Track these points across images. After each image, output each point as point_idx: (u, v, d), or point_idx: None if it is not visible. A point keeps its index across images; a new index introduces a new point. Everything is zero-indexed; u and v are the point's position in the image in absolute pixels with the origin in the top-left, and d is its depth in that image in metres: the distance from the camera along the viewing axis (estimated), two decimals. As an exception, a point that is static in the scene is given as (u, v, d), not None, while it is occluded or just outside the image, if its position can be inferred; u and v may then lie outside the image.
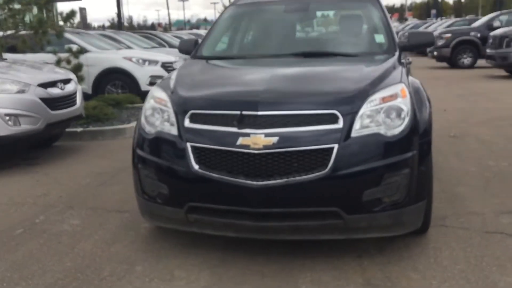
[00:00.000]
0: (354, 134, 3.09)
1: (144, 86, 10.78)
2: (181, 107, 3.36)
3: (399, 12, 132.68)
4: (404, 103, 3.24)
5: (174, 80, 3.71)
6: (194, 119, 3.29)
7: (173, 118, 3.37)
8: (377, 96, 3.21)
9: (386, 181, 3.10)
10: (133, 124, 7.95)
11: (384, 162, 3.10)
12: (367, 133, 3.11)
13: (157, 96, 3.56)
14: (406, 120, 3.20)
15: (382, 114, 3.17)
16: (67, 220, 4.31)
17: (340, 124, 3.10)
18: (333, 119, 3.11)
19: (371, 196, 3.09)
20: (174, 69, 11.39)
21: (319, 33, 4.59)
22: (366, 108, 3.15)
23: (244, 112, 3.15)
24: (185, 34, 18.08)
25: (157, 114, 3.48)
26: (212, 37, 4.63)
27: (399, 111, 3.20)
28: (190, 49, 4.72)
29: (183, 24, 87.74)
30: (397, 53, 3.99)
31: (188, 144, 3.24)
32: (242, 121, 3.14)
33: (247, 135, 3.10)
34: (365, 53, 4.09)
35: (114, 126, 7.94)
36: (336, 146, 3.06)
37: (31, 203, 4.78)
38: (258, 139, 3.07)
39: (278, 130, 3.09)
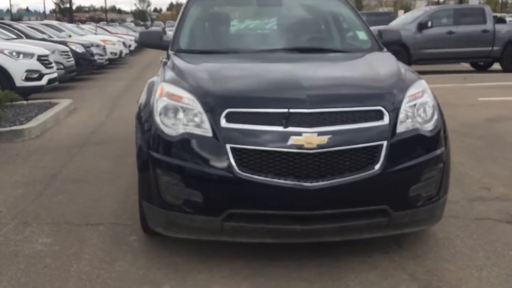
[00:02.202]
0: (399, 130, 3.08)
1: (19, 82, 9.68)
2: (214, 106, 3.04)
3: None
4: (431, 99, 3.31)
5: (188, 75, 3.35)
6: (231, 118, 3.00)
7: (203, 118, 3.04)
8: (410, 92, 3.22)
9: (426, 176, 3.14)
10: (31, 124, 7.11)
11: (425, 157, 3.14)
12: (409, 129, 3.12)
13: (174, 94, 3.19)
14: (435, 115, 3.27)
15: (416, 110, 3.19)
16: (33, 238, 3.69)
17: (386, 121, 3.06)
18: (379, 115, 3.07)
19: (415, 191, 3.11)
20: (51, 63, 10.55)
21: (301, 28, 4.48)
22: (405, 104, 3.15)
23: (292, 110, 2.95)
24: (40, 26, 16.56)
25: (178, 114, 3.12)
26: (186, 30, 4.27)
27: (429, 106, 3.26)
28: (154, 42, 4.31)
29: (3, 14, 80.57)
30: (386, 50, 4.06)
31: (228, 146, 2.95)
32: (289, 120, 2.94)
33: (299, 134, 2.91)
34: (357, 49, 4.10)
35: (9, 128, 6.99)
36: (385, 143, 3.02)
37: (-31, 223, 4.01)
38: (311, 138, 2.90)
39: (329, 128, 2.95)
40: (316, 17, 4.63)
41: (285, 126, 2.94)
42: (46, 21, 23.09)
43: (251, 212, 2.99)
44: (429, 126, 3.20)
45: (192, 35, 4.28)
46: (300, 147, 2.90)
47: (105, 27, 30.44)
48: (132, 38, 26.19)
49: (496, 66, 15.39)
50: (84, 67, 14.29)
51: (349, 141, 2.96)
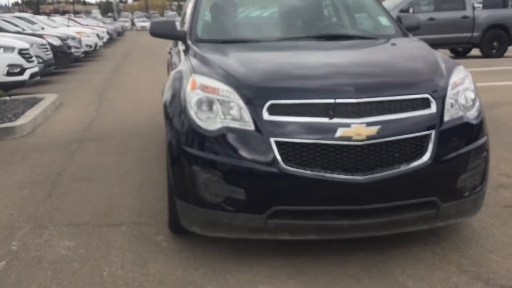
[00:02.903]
0: (446, 118, 2.98)
1: (1, 77, 9.31)
2: (255, 98, 2.89)
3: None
4: (472, 85, 3.22)
5: (220, 66, 3.18)
6: (274, 110, 2.86)
7: (243, 111, 2.89)
8: (453, 79, 3.13)
9: (472, 166, 3.06)
10: (22, 121, 6.83)
11: (472, 146, 3.06)
12: (455, 117, 3.03)
13: (209, 86, 3.02)
14: (477, 101, 3.19)
15: (459, 98, 3.10)
16: (54, 242, 3.49)
17: (433, 109, 2.96)
18: (426, 103, 2.97)
19: (463, 182, 3.02)
20: (31, 57, 10.15)
21: (323, 14, 4.34)
22: (450, 91, 3.05)
23: (338, 100, 2.82)
24: (13, 18, 15.97)
25: (214, 107, 2.96)
26: (202, 19, 4.08)
27: (471, 92, 3.17)
28: (167, 32, 4.11)
29: None
30: (412, 36, 3.96)
31: (272, 140, 2.81)
32: (335, 110, 2.81)
33: (348, 125, 2.78)
34: (382, 35, 3.98)
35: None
36: (433, 132, 2.92)
37: (-20, 227, 3.78)
38: (361, 129, 2.78)
39: (377, 118, 2.83)
40: (336, 3, 4.49)
41: (331, 117, 2.81)
42: (18, 14, 22.35)
43: (297, 209, 2.86)
44: (473, 114, 3.12)
45: (209, 24, 4.10)
46: (348, 139, 2.78)
47: (76, 19, 29.72)
48: (104, 30, 25.64)
49: (475, 52, 15.55)
50: (62, 60, 13.86)
51: (398, 131, 2.85)
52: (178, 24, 4.50)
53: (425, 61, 3.31)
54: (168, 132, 3.17)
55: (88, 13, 79.72)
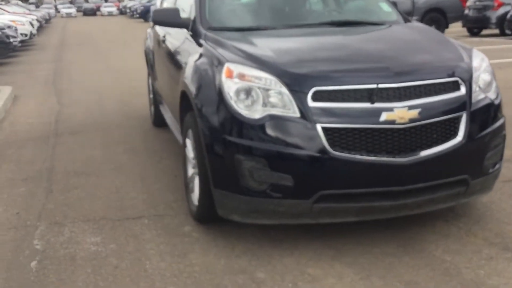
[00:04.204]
0: (474, 100, 3.14)
1: None
2: (299, 85, 2.92)
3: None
4: (489, 67, 3.39)
5: (254, 54, 3.17)
6: (318, 97, 2.90)
7: (286, 98, 2.92)
8: (475, 62, 3.29)
9: (494, 144, 3.24)
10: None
11: (495, 125, 3.24)
12: (480, 98, 3.19)
13: (247, 74, 3.01)
14: (494, 83, 3.37)
15: (481, 80, 3.26)
16: (79, 239, 3.39)
17: (463, 91, 3.11)
18: (456, 86, 3.11)
19: (488, 160, 3.20)
20: None
21: (332, 2, 4.38)
22: (474, 74, 3.21)
23: (380, 85, 2.91)
24: None
25: (254, 95, 2.96)
26: (211, 6, 4.01)
27: (489, 74, 3.34)
28: (171, 20, 4.04)
29: None
30: (416, 21, 4.11)
31: (319, 126, 2.86)
32: (378, 95, 2.90)
33: (391, 109, 2.88)
34: (389, 21, 4.08)
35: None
36: (464, 113, 3.07)
37: (-9, 228, 3.60)
38: (403, 113, 2.88)
39: (417, 101, 2.95)
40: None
41: (373, 102, 2.89)
42: None
43: (343, 192, 2.93)
44: (493, 94, 3.30)
45: (217, 11, 4.05)
46: (392, 122, 2.87)
47: (2, 6, 28.18)
48: (34, 17, 24.51)
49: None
50: (1, 50, 13.18)
51: (436, 113, 2.98)
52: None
53: (446, 45, 3.46)
54: (201, 123, 3.14)
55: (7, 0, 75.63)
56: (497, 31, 17.20)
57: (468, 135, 3.05)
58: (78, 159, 5.10)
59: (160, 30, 4.90)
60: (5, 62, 13.72)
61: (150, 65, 5.87)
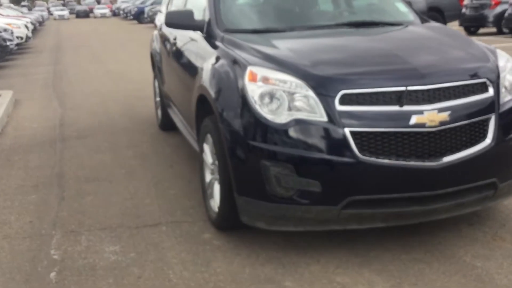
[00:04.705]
0: (501, 101, 3.08)
1: None
2: (327, 88, 2.85)
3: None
4: None
5: (278, 57, 3.10)
6: (345, 100, 2.83)
7: (313, 102, 2.85)
8: (501, 63, 3.24)
9: None
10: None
11: (520, 127, 3.17)
12: (507, 99, 3.14)
13: (272, 77, 2.94)
14: (519, 84, 3.31)
15: (507, 81, 3.21)
16: (98, 248, 3.31)
17: (491, 93, 3.05)
18: (484, 88, 3.06)
19: (515, 162, 3.14)
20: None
21: (347, 2, 4.31)
22: (501, 74, 3.15)
23: (409, 88, 2.84)
24: None
25: (279, 99, 2.89)
26: (225, 8, 3.94)
27: None
28: (185, 22, 3.96)
29: None
30: (433, 22, 4.05)
31: (347, 130, 2.79)
32: (407, 98, 2.83)
33: (421, 112, 2.82)
34: (407, 22, 4.01)
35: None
36: (493, 115, 3.01)
37: (7, 239, 3.50)
38: (434, 116, 2.82)
39: (447, 104, 2.89)
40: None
41: (401, 105, 2.83)
42: None
43: (372, 198, 2.86)
44: (518, 96, 3.23)
45: (234, 13, 3.98)
46: (422, 125, 2.81)
47: (-5, 9, 27.96)
48: (29, 20, 24.33)
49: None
50: (-2, 54, 13.05)
51: (465, 116, 2.92)
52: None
53: (470, 46, 3.40)
54: (223, 128, 3.06)
55: (-4, 2, 75.14)
56: (494, 29, 17.21)
57: (497, 137, 2.99)
58: (88, 164, 5.01)
59: (170, 32, 4.81)
60: (2, 66, 13.58)
61: (158, 68, 5.78)
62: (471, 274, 2.88)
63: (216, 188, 3.37)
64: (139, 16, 36.59)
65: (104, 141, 5.84)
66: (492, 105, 3.02)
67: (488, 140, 2.97)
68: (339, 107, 2.82)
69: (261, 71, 2.99)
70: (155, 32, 6.09)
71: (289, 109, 2.87)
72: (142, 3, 41.04)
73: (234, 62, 3.22)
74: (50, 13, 55.40)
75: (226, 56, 3.37)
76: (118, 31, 28.12)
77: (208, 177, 3.56)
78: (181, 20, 3.99)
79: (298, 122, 2.84)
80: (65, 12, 53.72)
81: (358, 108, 2.83)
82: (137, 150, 5.43)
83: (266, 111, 2.89)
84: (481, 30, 17.47)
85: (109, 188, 4.35)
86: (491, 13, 17.47)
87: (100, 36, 24.17)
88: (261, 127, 2.89)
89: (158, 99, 6.17)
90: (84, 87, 9.63)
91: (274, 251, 3.18)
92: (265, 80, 2.95)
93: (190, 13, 3.97)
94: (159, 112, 6.09)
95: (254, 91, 2.94)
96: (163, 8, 6.17)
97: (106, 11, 53.83)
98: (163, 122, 6.00)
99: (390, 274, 2.90)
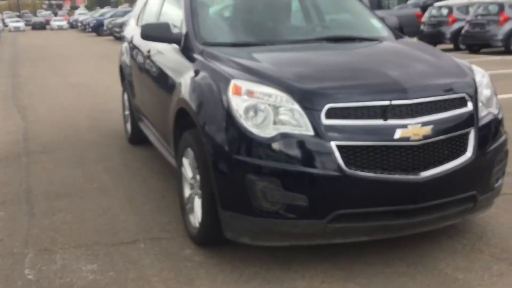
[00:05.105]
0: (479, 115, 3.14)
1: None
2: (313, 102, 2.84)
3: (71, 0, 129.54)
4: (490, 82, 3.41)
5: (261, 71, 3.08)
6: (331, 114, 2.83)
7: (299, 116, 2.83)
8: (477, 78, 3.30)
9: (499, 159, 3.25)
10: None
11: (500, 140, 3.25)
12: (485, 114, 3.20)
13: (257, 91, 2.91)
14: (495, 99, 3.39)
15: (483, 95, 3.27)
16: (74, 267, 3.19)
17: (470, 107, 3.11)
18: (463, 102, 3.11)
19: (495, 175, 3.21)
20: None
21: (324, 18, 4.33)
22: (478, 89, 3.22)
23: (393, 102, 2.86)
24: None
25: (264, 113, 2.86)
26: (203, 21, 3.90)
27: (490, 89, 3.36)
28: (162, 35, 3.91)
29: None
30: (407, 37, 4.11)
31: (333, 144, 2.78)
32: (391, 112, 2.86)
33: (405, 126, 2.84)
34: (382, 37, 4.06)
35: None
36: (473, 129, 3.06)
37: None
38: (417, 129, 2.85)
39: (429, 118, 2.92)
40: (333, 4, 4.54)
41: (386, 119, 2.85)
42: None
43: (358, 211, 2.86)
44: (495, 110, 3.31)
45: (211, 26, 3.94)
46: (407, 139, 2.83)
47: None
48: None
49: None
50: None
51: (447, 130, 2.96)
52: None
53: (449, 62, 3.46)
54: (207, 142, 3.01)
55: None
56: (451, 46, 17.76)
57: (477, 151, 3.04)
58: (56, 179, 4.85)
59: (145, 45, 4.74)
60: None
61: (128, 81, 5.68)
62: (454, 286, 2.90)
63: (197, 203, 3.31)
64: (98, 29, 36.21)
65: (71, 155, 5.68)
66: (471, 119, 3.08)
67: (468, 154, 3.02)
68: (325, 121, 2.82)
69: (245, 85, 2.96)
70: (125, 45, 5.99)
71: (274, 122, 2.85)
72: (101, 15, 40.70)
73: (216, 75, 3.19)
74: (5, 25, 54.16)
75: (207, 69, 3.33)
76: (77, 44, 27.69)
77: (187, 192, 3.50)
78: (157, 32, 3.93)
79: (284, 136, 2.82)
80: (21, 24, 52.56)
81: (344, 122, 2.83)
82: (107, 164, 5.31)
83: (251, 125, 2.86)
84: (439, 47, 17.93)
85: (81, 204, 4.22)
86: (448, 30, 18.07)
87: (59, 49, 23.72)
88: (246, 141, 2.86)
89: (127, 112, 6.06)
90: (46, 100, 9.40)
91: (257, 267, 3.14)
92: (250, 93, 2.92)
93: (167, 26, 3.92)
94: (129, 126, 5.98)
95: (238, 104, 2.91)
96: (132, 21, 6.09)
97: (64, 23, 53.05)
98: (132, 136, 5.89)
99: (376, 287, 2.89)
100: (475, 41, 16.65)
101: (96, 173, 5.04)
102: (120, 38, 28.09)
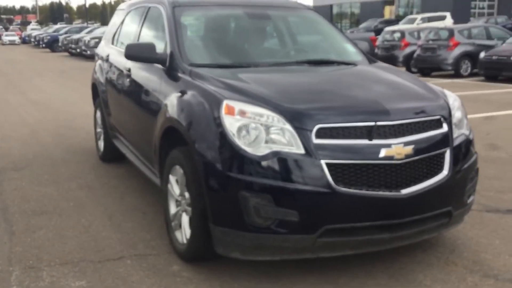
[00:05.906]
0: (454, 136, 3.36)
1: None
2: (303, 122, 2.99)
3: (22, 15, 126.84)
4: (461, 106, 3.65)
5: (251, 92, 3.21)
6: (321, 134, 2.99)
7: (290, 135, 2.97)
8: (450, 101, 3.54)
9: (471, 177, 3.48)
10: None
11: (472, 159, 3.48)
12: (458, 134, 3.42)
13: (249, 111, 3.04)
14: (465, 121, 3.63)
15: (455, 118, 3.50)
16: (63, 283, 3.20)
17: (445, 128, 3.32)
18: (439, 124, 3.32)
19: (468, 192, 3.43)
20: None
21: (304, 41, 4.50)
22: (452, 112, 3.44)
23: (378, 123, 3.05)
24: None
25: (256, 132, 2.99)
26: (188, 42, 4.01)
27: (461, 112, 3.59)
28: (146, 55, 4.00)
29: None
30: (380, 62, 4.34)
31: (323, 162, 2.93)
32: (376, 132, 3.04)
33: (389, 146, 3.02)
34: (356, 61, 4.27)
35: None
36: (448, 149, 3.28)
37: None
38: (400, 149, 3.04)
39: (410, 138, 3.12)
40: (311, 30, 4.73)
41: (371, 139, 3.02)
42: None
43: (346, 226, 3.01)
44: (466, 131, 3.54)
45: (198, 48, 4.06)
46: (391, 158, 3.01)
47: None
48: None
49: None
50: None
51: (426, 149, 3.16)
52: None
53: (423, 86, 3.68)
54: (199, 159, 3.11)
55: None
56: (403, 69, 18.39)
57: (452, 169, 3.25)
58: (32, 197, 4.82)
59: (123, 63, 4.80)
60: None
61: (102, 99, 5.70)
62: (434, 297, 3.08)
63: (185, 219, 3.38)
64: (53, 45, 35.63)
65: (43, 172, 5.64)
66: (447, 140, 3.29)
67: (445, 172, 3.23)
68: (316, 140, 2.96)
69: (237, 105, 3.08)
70: (99, 62, 6.02)
71: (266, 141, 2.98)
72: (55, 31, 40.03)
73: (207, 95, 3.29)
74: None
75: (196, 89, 3.43)
76: (32, 60, 27.16)
77: (173, 208, 3.57)
78: (142, 52, 4.01)
79: (275, 154, 2.95)
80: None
81: (333, 142, 2.99)
82: (81, 182, 5.30)
83: (244, 144, 2.98)
84: (393, 69, 18.52)
85: (60, 221, 4.22)
86: (401, 54, 18.77)
87: (14, 65, 23.22)
88: (239, 159, 2.97)
89: (99, 130, 6.06)
90: (9, 118, 9.23)
91: (246, 281, 3.23)
92: (242, 113, 3.04)
93: (151, 47, 4.00)
94: (101, 143, 5.98)
95: (232, 124, 3.02)
96: (106, 39, 6.12)
97: (15, 38, 51.86)
98: (105, 154, 5.90)
99: (362, 300, 3.04)
100: (426, 65, 17.31)
101: (70, 190, 5.02)
102: (75, 55, 27.88)
